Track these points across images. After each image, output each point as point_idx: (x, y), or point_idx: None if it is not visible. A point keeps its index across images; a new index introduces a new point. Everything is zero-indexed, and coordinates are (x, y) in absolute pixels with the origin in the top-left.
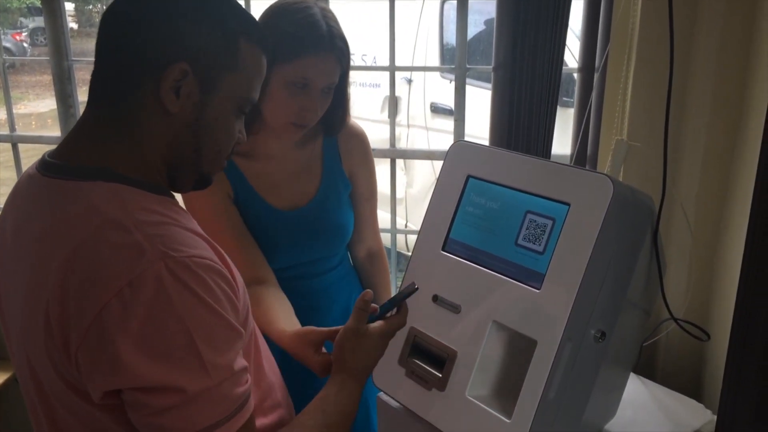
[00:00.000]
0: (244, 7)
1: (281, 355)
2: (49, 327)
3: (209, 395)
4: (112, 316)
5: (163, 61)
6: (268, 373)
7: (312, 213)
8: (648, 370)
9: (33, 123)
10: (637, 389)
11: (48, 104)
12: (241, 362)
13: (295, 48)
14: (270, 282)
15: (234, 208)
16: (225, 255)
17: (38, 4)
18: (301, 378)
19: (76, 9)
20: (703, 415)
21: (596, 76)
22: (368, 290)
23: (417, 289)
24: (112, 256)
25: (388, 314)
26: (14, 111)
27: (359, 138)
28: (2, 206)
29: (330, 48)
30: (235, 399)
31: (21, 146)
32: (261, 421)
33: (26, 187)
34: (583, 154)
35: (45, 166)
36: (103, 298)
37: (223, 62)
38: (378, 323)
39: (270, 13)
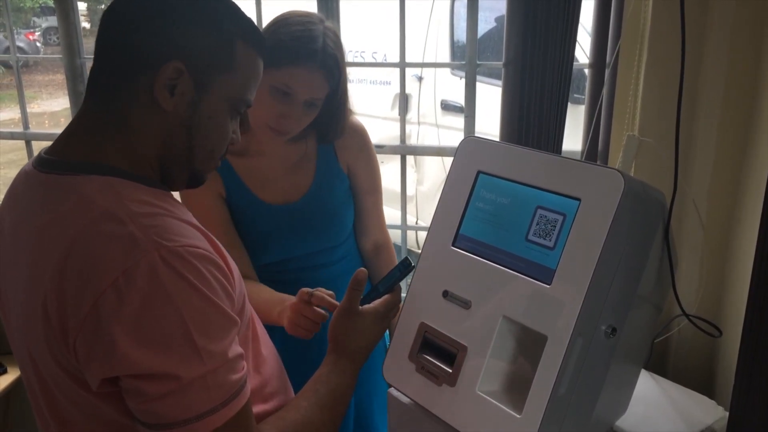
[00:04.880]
0: (255, 9)
1: (281, 343)
2: (48, 318)
3: (204, 382)
4: (107, 305)
5: (158, 59)
6: (267, 360)
7: (304, 208)
8: (659, 366)
9: (46, 122)
10: (648, 386)
11: (61, 103)
12: (236, 350)
13: (286, 56)
14: (253, 279)
15: (225, 209)
16: (220, 245)
17: (51, 3)
18: (301, 365)
19: (88, 8)
20: (715, 411)
21: (607, 71)
22: (362, 269)
23: (414, 267)
24: (106, 247)
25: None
26: (27, 110)
27: (357, 133)
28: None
29: (319, 64)
30: (230, 386)
31: (35, 144)
32: (261, 408)
33: (23, 184)
34: (594, 150)
35: (41, 162)
36: (99, 288)
37: (218, 63)
38: (372, 304)
39: (275, 20)
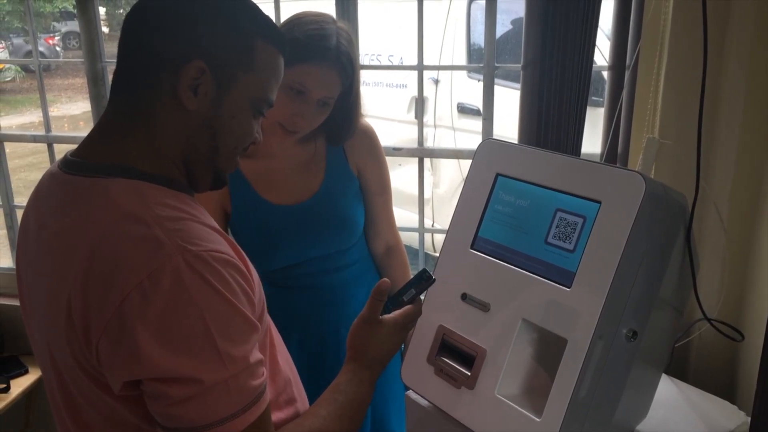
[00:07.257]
0: (273, 9)
1: (296, 351)
2: (71, 320)
3: (225, 386)
4: (132, 307)
5: (180, 59)
6: (283, 368)
7: (314, 207)
8: (680, 370)
9: (65, 125)
10: (669, 390)
11: (80, 107)
12: (256, 355)
13: (300, 54)
14: None
15: (224, 226)
16: (241, 250)
17: (71, 8)
18: (315, 374)
19: (107, 13)
20: (736, 416)
21: (627, 73)
22: (385, 279)
23: (434, 280)
24: (131, 250)
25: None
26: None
27: (366, 134)
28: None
29: (333, 62)
30: (251, 391)
31: (56, 147)
32: (276, 416)
33: (48, 185)
34: (614, 153)
35: (67, 163)
36: (124, 291)
37: (238, 62)
38: (393, 314)
39: (289, 20)
